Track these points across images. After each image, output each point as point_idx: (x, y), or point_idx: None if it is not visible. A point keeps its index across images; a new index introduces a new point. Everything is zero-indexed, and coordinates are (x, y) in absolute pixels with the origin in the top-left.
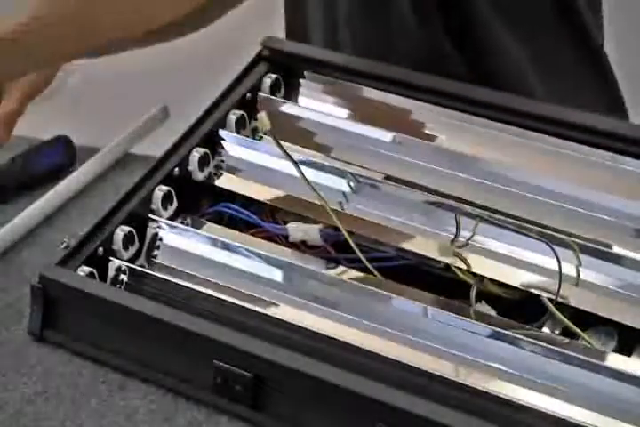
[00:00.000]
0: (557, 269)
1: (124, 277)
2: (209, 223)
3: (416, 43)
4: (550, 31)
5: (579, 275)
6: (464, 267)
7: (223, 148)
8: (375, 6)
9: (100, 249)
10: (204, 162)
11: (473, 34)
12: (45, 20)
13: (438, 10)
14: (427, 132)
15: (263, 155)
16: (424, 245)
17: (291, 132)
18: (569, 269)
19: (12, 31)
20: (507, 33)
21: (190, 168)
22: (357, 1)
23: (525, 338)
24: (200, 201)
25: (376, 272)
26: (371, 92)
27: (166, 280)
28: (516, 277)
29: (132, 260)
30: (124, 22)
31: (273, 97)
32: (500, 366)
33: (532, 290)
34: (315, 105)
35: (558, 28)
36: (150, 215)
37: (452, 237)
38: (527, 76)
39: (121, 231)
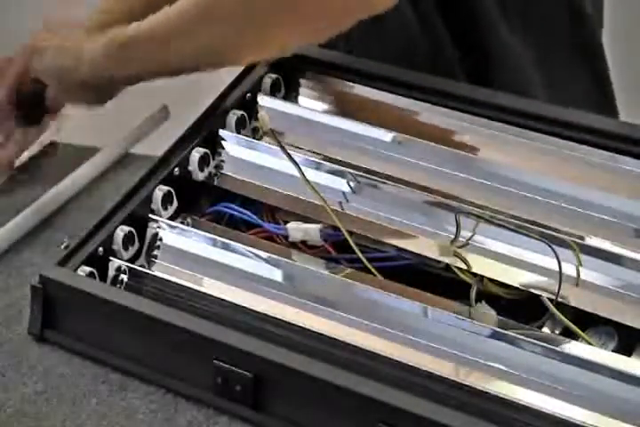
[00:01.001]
0: (557, 269)
1: (124, 277)
2: (209, 223)
3: (415, 44)
4: (558, 38)
5: (579, 275)
6: (464, 267)
7: (223, 148)
8: None
9: (100, 249)
10: (204, 162)
11: (477, 37)
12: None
13: (440, 12)
14: (427, 131)
15: (263, 155)
16: (424, 245)
17: (291, 132)
18: (569, 269)
19: (125, 39)
20: (513, 37)
21: (190, 168)
22: None
23: (525, 338)
24: (200, 201)
25: (376, 272)
26: (371, 93)
27: (166, 280)
28: (516, 277)
29: (132, 260)
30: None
31: (273, 97)
32: (500, 366)
33: (532, 290)
34: (315, 105)
35: (567, 34)
36: (150, 215)
37: (452, 237)
38: (530, 83)
39: (121, 231)
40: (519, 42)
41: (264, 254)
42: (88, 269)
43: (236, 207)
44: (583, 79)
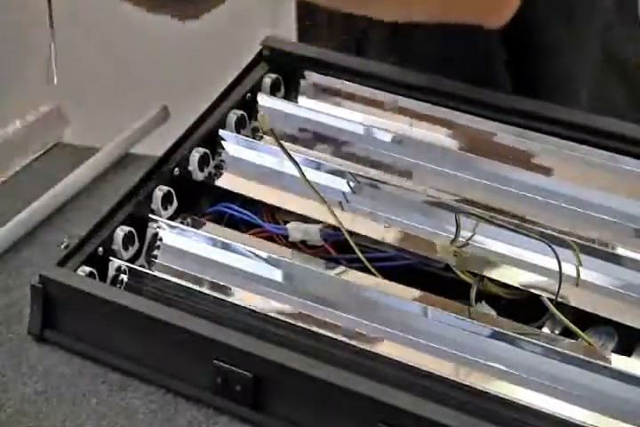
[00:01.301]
0: (557, 269)
1: (124, 277)
2: (209, 223)
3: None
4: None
5: (579, 275)
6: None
7: (223, 148)
8: None
9: (100, 249)
10: (203, 162)
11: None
12: None
13: None
14: (425, 130)
15: (263, 155)
16: (424, 245)
17: (291, 132)
18: (569, 269)
19: None
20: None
21: (190, 168)
22: None
23: (525, 338)
24: (200, 201)
25: (376, 272)
26: (371, 92)
27: (166, 280)
28: (516, 277)
29: (132, 260)
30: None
31: (273, 97)
32: (500, 366)
33: (532, 290)
34: (315, 105)
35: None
36: (150, 215)
37: (452, 237)
38: (574, 94)
39: (121, 231)
40: (567, 49)
41: (264, 254)
42: (88, 269)
43: (235, 207)
44: (616, 91)
